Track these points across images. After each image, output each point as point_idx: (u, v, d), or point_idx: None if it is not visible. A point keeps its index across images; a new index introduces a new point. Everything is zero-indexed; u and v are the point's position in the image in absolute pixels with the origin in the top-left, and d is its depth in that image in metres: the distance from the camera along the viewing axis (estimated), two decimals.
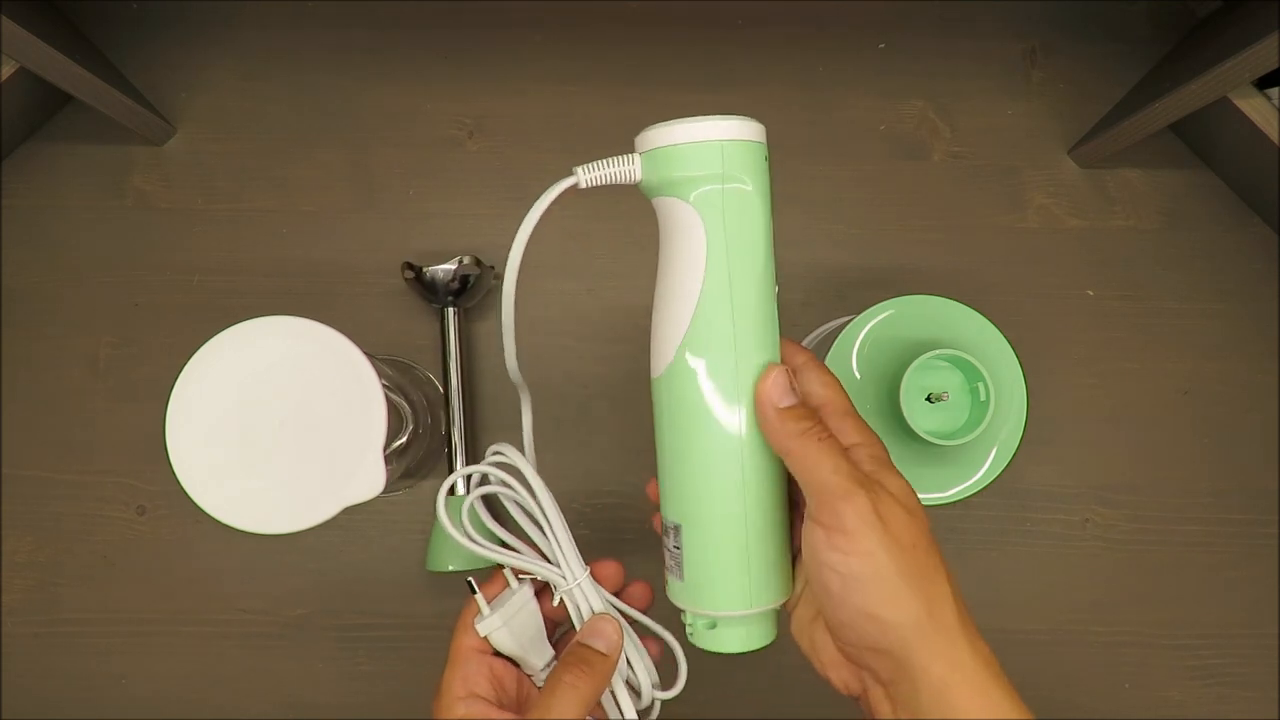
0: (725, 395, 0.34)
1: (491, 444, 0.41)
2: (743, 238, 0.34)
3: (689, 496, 0.36)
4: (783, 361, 0.36)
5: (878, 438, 0.35)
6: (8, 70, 0.55)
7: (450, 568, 0.56)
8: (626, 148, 0.35)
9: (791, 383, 0.34)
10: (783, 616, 0.37)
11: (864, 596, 0.31)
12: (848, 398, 0.36)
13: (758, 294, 0.35)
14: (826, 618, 0.33)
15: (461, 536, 0.38)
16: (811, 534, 0.32)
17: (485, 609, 0.38)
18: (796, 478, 0.33)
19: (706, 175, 0.34)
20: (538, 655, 0.39)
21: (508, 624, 0.38)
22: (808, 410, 0.34)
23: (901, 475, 0.34)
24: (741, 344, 0.34)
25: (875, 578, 0.31)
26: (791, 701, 0.60)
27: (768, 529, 0.35)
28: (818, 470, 0.32)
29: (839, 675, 0.34)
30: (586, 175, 0.35)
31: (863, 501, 0.31)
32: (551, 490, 0.39)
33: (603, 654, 0.37)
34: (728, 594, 0.36)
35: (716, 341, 0.34)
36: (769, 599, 0.36)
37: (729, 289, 0.34)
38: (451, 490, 0.55)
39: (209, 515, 0.43)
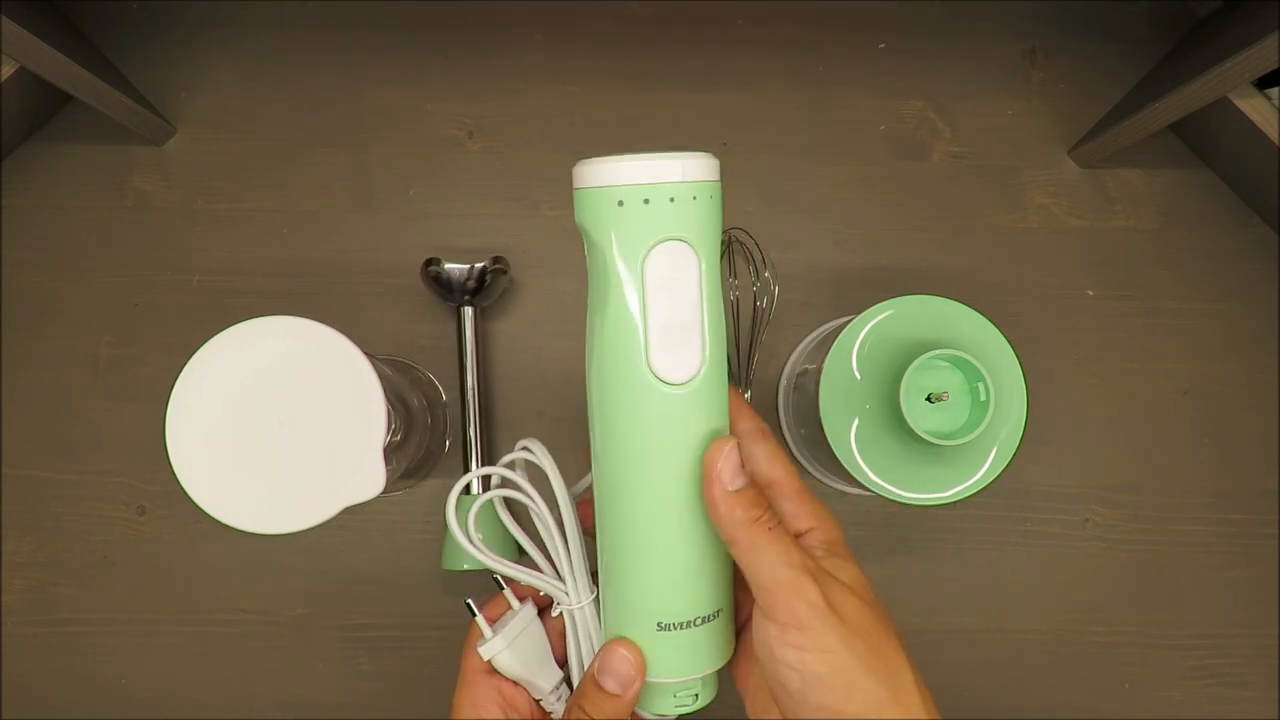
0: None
1: (520, 439, 0.39)
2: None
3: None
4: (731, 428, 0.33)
5: (832, 517, 0.33)
6: (8, 70, 0.55)
7: (465, 567, 0.55)
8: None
9: (742, 461, 0.31)
10: (725, 678, 0.36)
11: (825, 694, 0.29)
12: (798, 474, 0.34)
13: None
14: (784, 713, 0.31)
15: (464, 539, 0.37)
16: (764, 630, 0.30)
17: (487, 631, 0.38)
18: (742, 568, 0.31)
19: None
20: (545, 678, 0.38)
21: (511, 646, 0.37)
22: (758, 495, 0.31)
23: (854, 562, 0.32)
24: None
25: (836, 674, 0.29)
26: None
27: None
28: (767, 562, 0.30)
29: None
30: None
31: (814, 593, 0.29)
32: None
33: (615, 695, 0.34)
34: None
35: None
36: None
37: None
38: (467, 489, 0.55)
39: (209, 515, 0.43)
